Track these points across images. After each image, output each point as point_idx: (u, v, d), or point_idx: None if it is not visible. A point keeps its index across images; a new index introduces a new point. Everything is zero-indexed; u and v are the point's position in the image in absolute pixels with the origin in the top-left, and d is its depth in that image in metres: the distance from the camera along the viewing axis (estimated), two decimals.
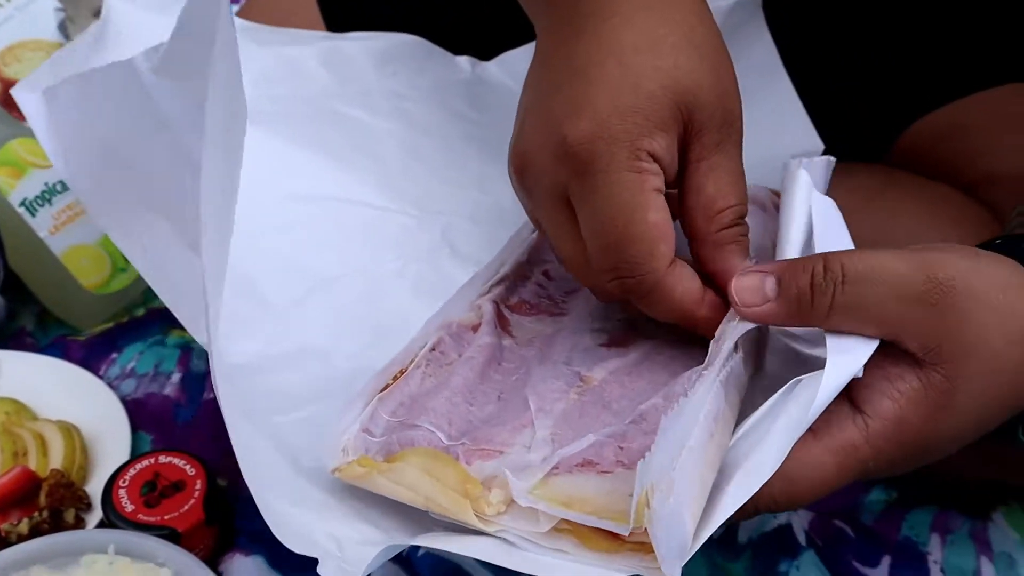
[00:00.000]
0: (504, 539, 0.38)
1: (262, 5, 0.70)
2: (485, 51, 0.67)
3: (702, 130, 0.40)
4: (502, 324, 0.49)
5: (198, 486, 0.53)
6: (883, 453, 0.36)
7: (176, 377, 0.67)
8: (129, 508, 0.52)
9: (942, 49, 0.63)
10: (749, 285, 0.38)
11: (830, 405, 0.36)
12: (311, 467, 0.44)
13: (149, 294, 0.76)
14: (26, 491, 0.53)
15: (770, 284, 0.38)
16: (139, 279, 0.75)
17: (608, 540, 0.37)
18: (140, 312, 0.75)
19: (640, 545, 0.36)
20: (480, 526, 0.38)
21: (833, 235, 0.41)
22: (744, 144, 0.59)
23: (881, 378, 0.36)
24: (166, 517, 0.52)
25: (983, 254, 0.38)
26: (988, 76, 0.61)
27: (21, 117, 0.78)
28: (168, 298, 0.50)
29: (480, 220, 0.58)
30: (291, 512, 0.41)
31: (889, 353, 0.37)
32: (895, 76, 0.64)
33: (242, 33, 0.42)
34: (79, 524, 0.53)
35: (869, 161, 0.64)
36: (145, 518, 0.52)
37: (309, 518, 0.41)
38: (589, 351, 0.46)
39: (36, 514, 0.52)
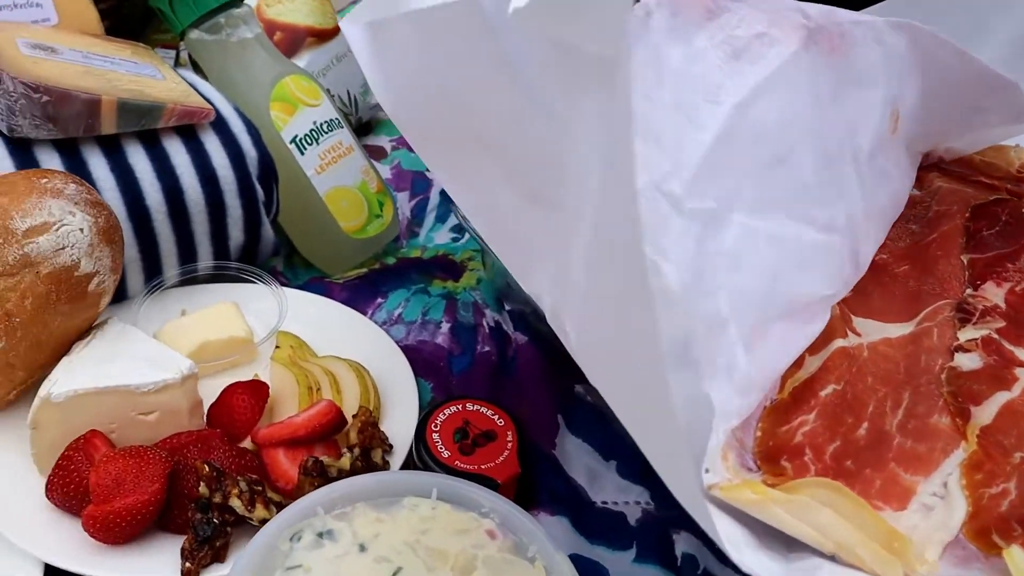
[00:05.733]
0: None
1: None
2: None
3: None
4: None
5: (509, 437, 0.51)
6: None
7: (446, 327, 0.65)
8: (445, 454, 0.50)
9: None
10: None
11: None
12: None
13: (392, 245, 0.75)
14: (334, 426, 0.52)
15: None
16: (391, 226, 0.74)
17: None
18: (391, 260, 0.74)
19: None
20: None
21: None
22: None
23: None
24: (483, 466, 0.50)
25: None
26: None
27: (289, 54, 0.78)
28: (497, 245, 0.47)
29: None
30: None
31: None
32: None
33: None
34: (385, 465, 0.52)
35: None
36: (463, 466, 0.50)
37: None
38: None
39: (352, 451, 0.50)
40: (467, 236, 0.76)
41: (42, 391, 0.51)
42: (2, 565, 0.48)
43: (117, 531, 0.47)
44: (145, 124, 0.61)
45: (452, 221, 0.78)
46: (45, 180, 0.53)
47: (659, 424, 0.31)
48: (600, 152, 0.32)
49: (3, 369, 0.52)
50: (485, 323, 0.66)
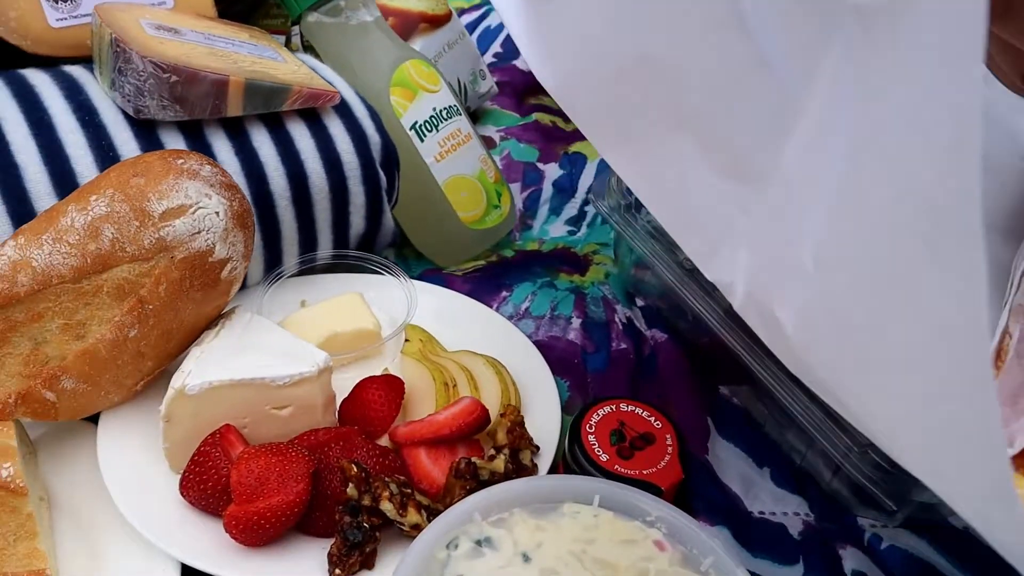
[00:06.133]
0: None
1: None
2: None
3: None
4: None
5: (669, 441, 0.48)
6: None
7: (576, 322, 0.62)
8: (604, 458, 0.47)
9: None
10: None
11: None
12: None
13: (506, 238, 0.72)
14: (479, 425, 0.49)
15: None
16: (509, 217, 0.71)
17: None
18: (509, 253, 0.70)
19: None
20: None
21: None
22: None
23: None
24: (645, 472, 0.46)
25: None
26: None
27: (406, 38, 0.76)
28: (675, 228, 0.44)
29: None
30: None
31: None
32: None
33: None
34: (534, 468, 0.48)
35: None
36: (624, 470, 0.46)
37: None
38: None
39: (501, 452, 0.47)
40: (584, 229, 0.73)
41: (175, 382, 0.49)
42: (137, 564, 0.46)
43: (260, 532, 0.44)
44: (270, 107, 0.58)
45: (567, 214, 0.75)
46: (181, 161, 0.50)
47: (947, 423, 0.27)
48: (854, 116, 0.29)
49: (134, 358, 0.50)
50: (617, 319, 0.62)
